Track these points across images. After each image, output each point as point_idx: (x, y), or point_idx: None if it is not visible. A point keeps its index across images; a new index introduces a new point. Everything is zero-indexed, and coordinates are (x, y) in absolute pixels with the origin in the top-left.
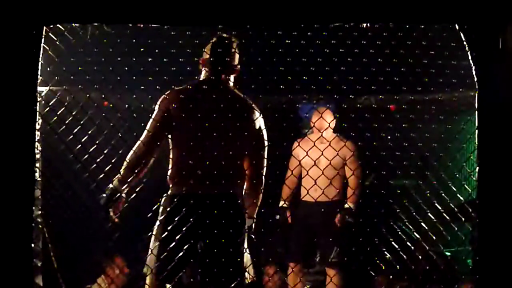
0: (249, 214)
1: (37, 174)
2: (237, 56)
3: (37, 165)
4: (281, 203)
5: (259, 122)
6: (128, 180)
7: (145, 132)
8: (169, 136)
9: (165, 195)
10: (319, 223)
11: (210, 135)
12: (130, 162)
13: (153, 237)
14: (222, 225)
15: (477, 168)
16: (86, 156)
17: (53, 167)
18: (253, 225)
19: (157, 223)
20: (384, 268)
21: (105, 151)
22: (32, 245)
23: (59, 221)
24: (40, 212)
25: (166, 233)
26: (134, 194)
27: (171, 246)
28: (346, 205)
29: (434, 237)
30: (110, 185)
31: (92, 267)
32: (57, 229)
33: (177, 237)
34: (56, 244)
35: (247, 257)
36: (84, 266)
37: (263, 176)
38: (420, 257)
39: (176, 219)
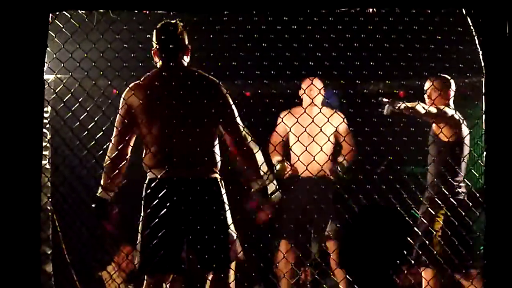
0: (256, 178)
1: (45, 162)
2: (185, 37)
3: (46, 152)
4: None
5: (227, 97)
6: (112, 182)
7: (114, 131)
8: (139, 128)
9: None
10: (310, 197)
11: (179, 119)
12: (107, 164)
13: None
14: (199, 210)
15: (485, 153)
16: (93, 143)
17: (61, 154)
18: (269, 184)
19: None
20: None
21: (112, 138)
22: (40, 232)
23: (69, 208)
24: (49, 199)
25: (145, 221)
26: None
27: (152, 233)
28: (339, 159)
29: (441, 222)
30: (97, 194)
31: (102, 255)
32: (67, 216)
33: (155, 224)
34: (66, 232)
35: (232, 238)
36: (94, 253)
37: (247, 138)
38: (427, 242)
39: (152, 204)
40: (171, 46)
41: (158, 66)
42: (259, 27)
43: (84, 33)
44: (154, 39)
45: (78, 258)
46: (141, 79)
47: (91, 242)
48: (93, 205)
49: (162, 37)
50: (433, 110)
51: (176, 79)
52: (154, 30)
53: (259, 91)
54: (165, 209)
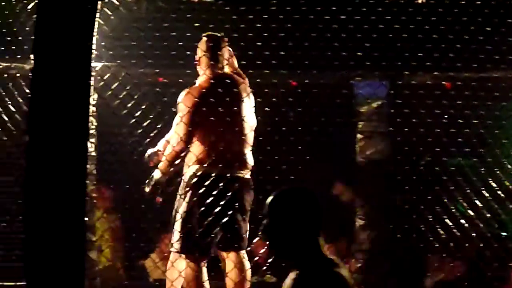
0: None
1: (91, 149)
2: (228, 49)
3: (92, 140)
4: None
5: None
6: (168, 171)
7: (183, 128)
8: (201, 128)
9: (189, 174)
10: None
11: (233, 121)
12: (170, 157)
13: (179, 215)
14: (238, 204)
15: None
16: (140, 131)
17: (108, 142)
18: None
19: (182, 200)
20: (437, 247)
21: (159, 126)
22: (86, 219)
23: (114, 196)
24: (94, 187)
25: (200, 209)
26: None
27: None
28: None
29: (488, 216)
30: (153, 175)
31: (146, 242)
32: (111, 204)
33: (205, 214)
34: (109, 219)
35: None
36: (138, 241)
37: None
38: (473, 235)
39: (210, 198)
40: (218, 57)
41: (205, 73)
42: (306, 17)
43: (132, 21)
44: (202, 49)
45: (122, 245)
46: (197, 86)
47: (135, 230)
48: (151, 183)
49: (211, 49)
50: None
51: (226, 85)
52: (201, 41)
53: (306, 80)
54: (212, 199)
